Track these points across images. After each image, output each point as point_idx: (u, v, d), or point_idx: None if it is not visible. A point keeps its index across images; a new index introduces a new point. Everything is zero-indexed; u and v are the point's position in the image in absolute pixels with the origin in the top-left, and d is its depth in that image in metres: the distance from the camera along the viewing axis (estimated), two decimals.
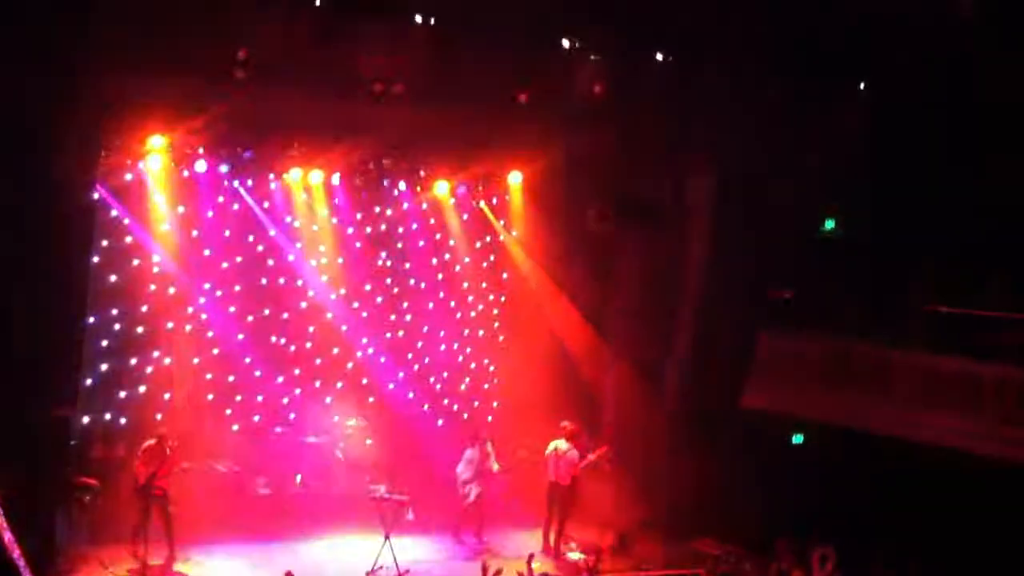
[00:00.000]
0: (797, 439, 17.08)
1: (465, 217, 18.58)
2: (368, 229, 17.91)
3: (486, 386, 18.93)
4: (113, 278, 15.48)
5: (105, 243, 15.29)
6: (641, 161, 16.47)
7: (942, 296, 15.91)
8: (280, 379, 17.14)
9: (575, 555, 15.05)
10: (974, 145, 15.24)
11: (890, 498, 14.43)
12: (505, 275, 19.08)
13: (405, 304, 18.41)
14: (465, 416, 18.55)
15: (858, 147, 15.94)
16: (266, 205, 16.87)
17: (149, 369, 15.85)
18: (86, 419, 15.07)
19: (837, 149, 15.96)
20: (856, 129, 16.03)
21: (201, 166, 15.78)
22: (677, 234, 16.78)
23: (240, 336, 16.70)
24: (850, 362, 16.21)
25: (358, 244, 17.87)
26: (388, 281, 18.25)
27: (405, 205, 18.10)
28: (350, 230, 17.74)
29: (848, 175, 16.19)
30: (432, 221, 18.46)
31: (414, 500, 14.93)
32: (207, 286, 16.39)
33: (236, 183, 16.47)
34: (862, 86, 16.60)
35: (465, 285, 18.83)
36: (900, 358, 15.67)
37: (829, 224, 17.69)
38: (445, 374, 18.71)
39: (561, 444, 15.46)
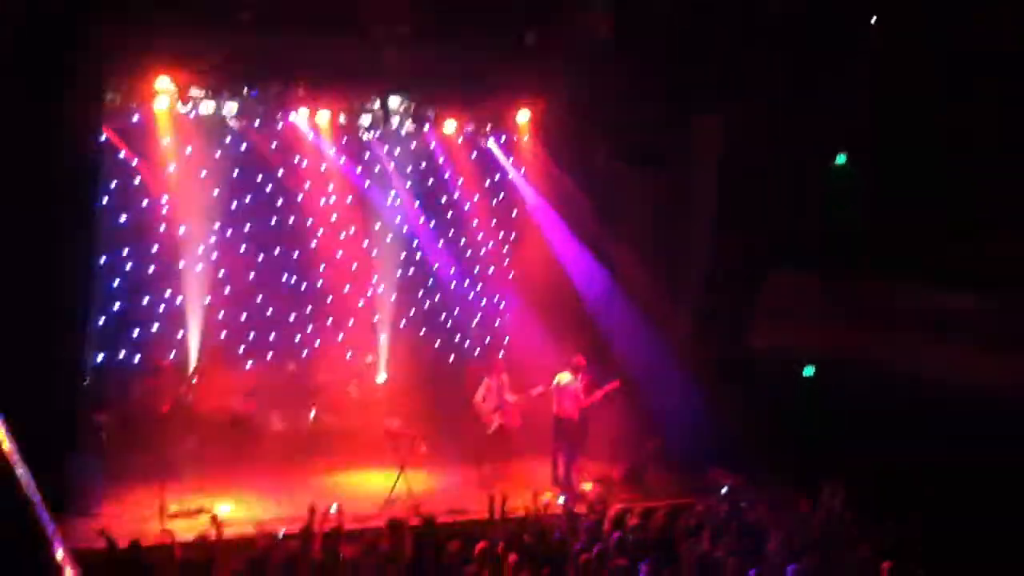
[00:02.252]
0: (808, 371, 17.18)
1: (474, 156, 18.54)
2: (376, 168, 17.92)
3: (497, 322, 19.03)
4: (123, 218, 15.58)
5: (114, 184, 15.37)
6: (648, 101, 16.36)
7: (950, 231, 15.84)
8: (292, 317, 17.29)
9: (586, 485, 15.24)
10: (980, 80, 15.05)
11: (897, 433, 14.51)
12: (515, 213, 19.08)
13: (415, 242, 18.48)
14: (477, 352, 18.70)
15: (867, 83, 15.80)
16: (274, 145, 16.86)
17: (161, 308, 16.01)
18: (100, 357, 15.28)
19: (846, 85, 15.82)
20: (866, 64, 15.88)
21: (207, 107, 15.75)
22: (685, 173, 16.73)
23: (251, 275, 16.80)
24: (858, 297, 16.24)
25: (367, 183, 17.89)
26: (397, 220, 18.30)
27: (413, 143, 18.07)
28: (358, 169, 17.74)
29: (858, 111, 16.06)
30: (441, 159, 18.45)
31: (427, 433, 15.10)
32: (217, 226, 16.46)
33: (243, 123, 16.45)
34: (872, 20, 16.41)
35: (475, 223, 18.86)
36: (906, 293, 15.69)
37: (840, 159, 17.61)
38: (456, 311, 18.82)
39: (564, 376, 15.53)
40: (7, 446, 3.08)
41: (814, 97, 15.89)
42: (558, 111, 17.43)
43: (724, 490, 15.20)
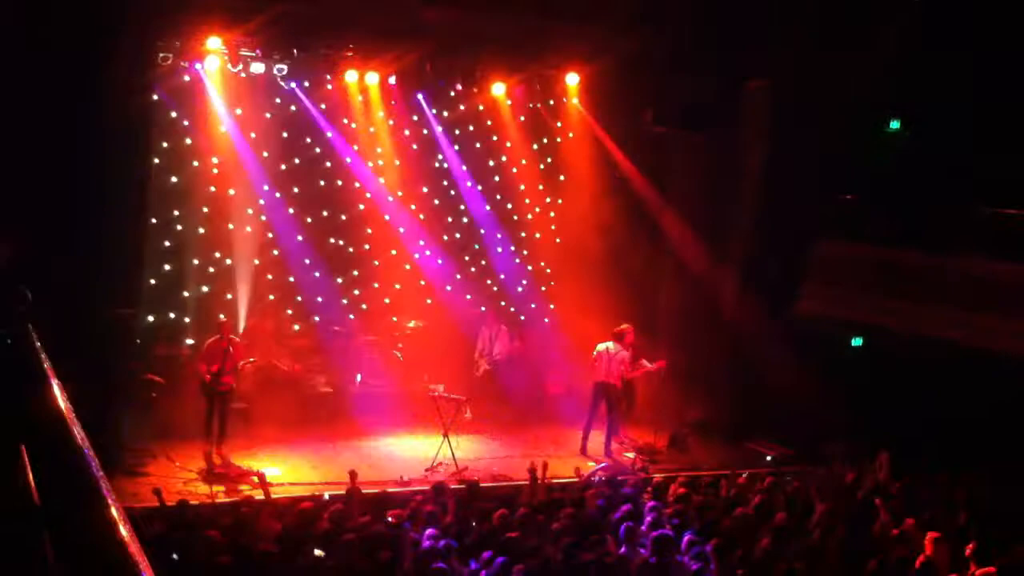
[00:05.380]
0: (856, 342, 16.99)
1: (522, 119, 18.44)
2: (424, 131, 17.89)
3: (543, 288, 18.98)
4: (174, 179, 15.71)
5: (165, 145, 15.48)
6: (698, 64, 16.13)
7: (1001, 200, 15.53)
8: (339, 280, 17.37)
9: (629, 454, 15.21)
10: None
11: (944, 404, 14.32)
12: (562, 177, 18.97)
13: (462, 206, 18.46)
14: (523, 318, 18.70)
15: (918, 47, 15.44)
16: (323, 107, 16.89)
17: (211, 269, 16.15)
18: (151, 318, 15.46)
19: (898, 50, 15.48)
20: (917, 28, 15.53)
21: (258, 67, 15.77)
22: (733, 138, 16.53)
23: (299, 238, 16.89)
24: (906, 267, 16.02)
25: (415, 146, 17.89)
26: (445, 183, 18.28)
27: (462, 106, 18.01)
28: (407, 132, 17.73)
29: (910, 75, 15.72)
30: (489, 123, 18.38)
31: (471, 399, 15.13)
32: (266, 188, 16.54)
33: (293, 85, 16.48)
34: None
35: (522, 187, 18.78)
36: (956, 262, 15.44)
37: (894, 125, 17.30)
38: (502, 276, 18.81)
39: (611, 345, 15.41)
40: (63, 405, 3.10)
41: (865, 61, 15.58)
42: (608, 72, 17.24)
43: (768, 459, 15.16)
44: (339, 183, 17.34)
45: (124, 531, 2.21)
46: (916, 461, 13.42)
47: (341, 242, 17.49)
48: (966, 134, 15.31)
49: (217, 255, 16.23)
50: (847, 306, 16.48)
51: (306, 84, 16.65)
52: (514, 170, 18.67)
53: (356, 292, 17.56)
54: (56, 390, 3.25)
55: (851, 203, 17.38)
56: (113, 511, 2.30)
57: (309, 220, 17.06)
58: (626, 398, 15.86)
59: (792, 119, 15.78)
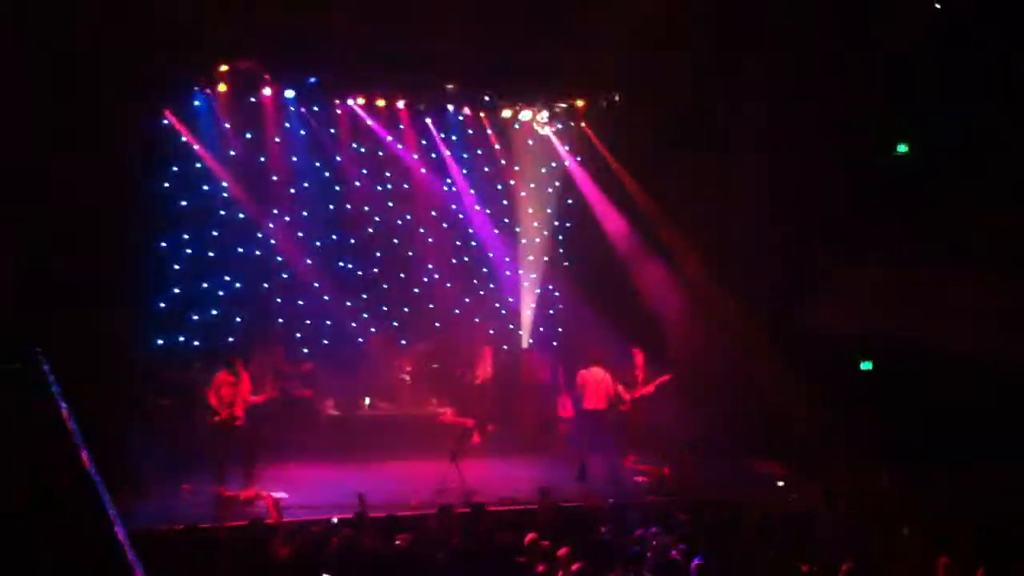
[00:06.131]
0: (866, 366, 16.91)
1: (530, 143, 18.53)
2: (433, 155, 17.98)
3: (551, 311, 19.00)
4: (184, 203, 15.78)
5: (175, 169, 15.57)
6: (701, 88, 16.18)
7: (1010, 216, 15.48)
8: (348, 304, 17.42)
9: (638, 478, 15.15)
10: None
11: (949, 421, 14.25)
12: (570, 201, 19.03)
13: (471, 230, 18.51)
14: (531, 342, 18.70)
15: (923, 66, 15.46)
16: (332, 131, 16.99)
17: (220, 293, 16.20)
18: (160, 341, 15.49)
19: (903, 70, 15.51)
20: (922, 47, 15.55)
21: (267, 92, 15.88)
22: (738, 158, 16.56)
23: (308, 261, 16.94)
24: (910, 281, 15.96)
25: (423, 170, 17.96)
26: (453, 207, 18.35)
27: (470, 131, 18.10)
28: (415, 156, 17.81)
29: (916, 96, 15.73)
30: (497, 147, 18.46)
31: (480, 423, 15.10)
32: (275, 211, 16.62)
33: (302, 109, 16.59)
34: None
35: (530, 211, 18.84)
36: (965, 279, 15.38)
37: (902, 148, 17.29)
38: (511, 299, 18.83)
39: (597, 372, 15.34)
40: (71, 427, 3.13)
41: (868, 87, 15.64)
42: (612, 98, 17.32)
43: (780, 483, 15.03)
44: (348, 207, 17.42)
45: (130, 555, 2.24)
46: (920, 476, 13.37)
47: (350, 266, 17.54)
48: (967, 146, 15.30)
49: (227, 278, 16.27)
50: (850, 322, 16.42)
51: (315, 108, 16.76)
52: (522, 194, 18.73)
53: (365, 316, 17.58)
54: (63, 414, 3.29)
55: (853, 219, 17.34)
56: (120, 534, 2.33)
57: (318, 244, 17.12)
58: (615, 420, 15.77)
59: (794, 138, 15.81)
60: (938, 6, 15.83)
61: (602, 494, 13.81)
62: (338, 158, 17.09)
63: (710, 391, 16.46)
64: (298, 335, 16.95)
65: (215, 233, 16.13)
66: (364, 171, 17.34)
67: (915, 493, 12.97)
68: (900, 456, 13.67)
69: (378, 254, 17.71)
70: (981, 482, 12.82)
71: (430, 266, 18.04)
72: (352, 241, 17.52)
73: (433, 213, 18.14)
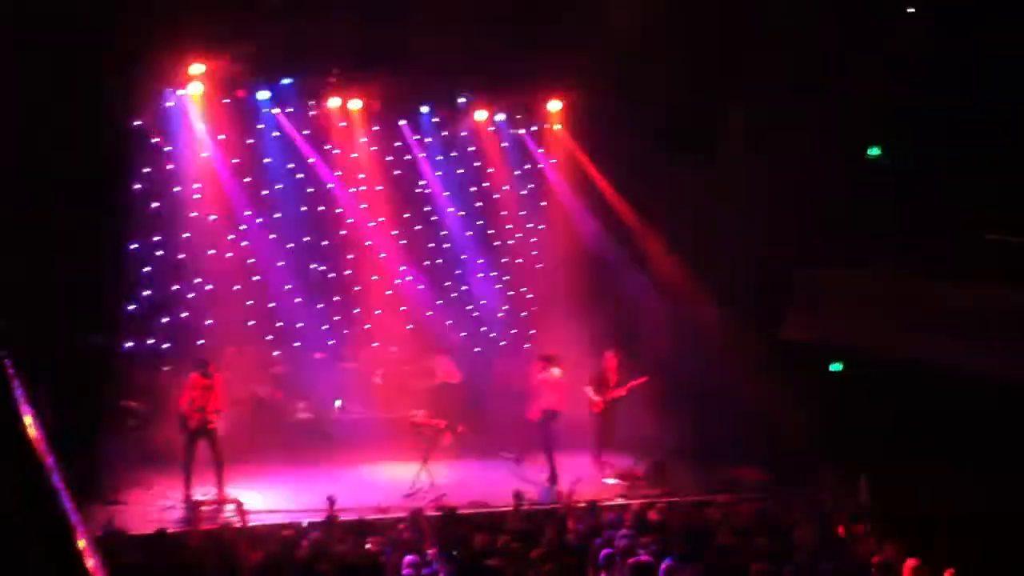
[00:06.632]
0: (835, 367, 16.99)
1: (504, 145, 18.53)
2: (407, 156, 17.94)
3: (524, 314, 18.99)
4: (155, 205, 15.66)
5: (147, 170, 15.45)
6: (681, 90, 16.22)
7: (992, 224, 15.55)
8: (320, 305, 17.34)
9: (610, 480, 15.18)
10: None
11: (930, 428, 14.32)
12: (544, 203, 19.03)
13: (444, 232, 18.48)
14: (503, 344, 18.67)
15: (904, 71, 15.55)
16: (306, 133, 16.93)
17: (191, 295, 16.08)
18: (129, 344, 15.35)
19: (882, 73, 15.60)
20: (904, 51, 15.63)
21: (241, 94, 15.79)
22: (716, 164, 16.61)
23: (280, 263, 16.86)
24: (894, 293, 16.04)
25: (397, 172, 17.92)
26: (427, 209, 18.31)
27: (444, 133, 18.09)
28: (389, 157, 17.78)
29: (895, 100, 15.80)
30: (471, 148, 18.44)
31: (451, 425, 15.08)
32: (247, 213, 16.53)
33: (276, 111, 16.52)
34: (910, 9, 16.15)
35: (504, 213, 18.84)
36: (946, 288, 15.45)
37: (874, 151, 17.37)
38: (483, 301, 18.81)
39: (555, 371, 15.38)
40: (34, 434, 3.07)
41: (843, 89, 15.71)
42: (588, 101, 17.34)
43: (757, 489, 15.01)
44: (321, 208, 17.36)
45: (91, 562, 2.20)
46: (897, 485, 13.42)
47: (322, 268, 17.48)
48: (947, 157, 15.36)
49: (197, 280, 16.14)
50: (829, 331, 16.49)
51: (289, 110, 16.69)
52: (496, 196, 18.72)
53: (337, 318, 17.52)
54: (27, 418, 3.24)
55: (832, 228, 17.41)
56: (81, 542, 2.28)
57: (291, 245, 17.04)
58: (606, 423, 15.81)
59: (773, 144, 15.87)
60: (911, 10, 15.96)
61: (574, 496, 13.80)
62: (311, 160, 17.01)
63: (686, 395, 16.47)
64: (269, 337, 16.85)
65: (186, 235, 16.00)
66: (337, 173, 17.27)
67: (892, 500, 13.05)
68: (881, 461, 13.72)
69: (350, 256, 17.64)
70: (953, 483, 12.90)
71: (403, 268, 17.99)
72: (325, 243, 17.44)
73: (406, 215, 18.08)
